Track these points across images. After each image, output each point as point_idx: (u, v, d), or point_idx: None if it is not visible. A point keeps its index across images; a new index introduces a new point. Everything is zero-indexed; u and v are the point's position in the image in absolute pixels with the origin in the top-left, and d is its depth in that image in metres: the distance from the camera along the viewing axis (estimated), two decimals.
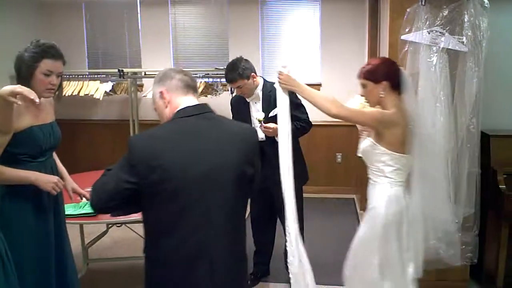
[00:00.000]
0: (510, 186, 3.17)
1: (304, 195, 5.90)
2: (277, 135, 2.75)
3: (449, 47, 3.05)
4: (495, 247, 3.30)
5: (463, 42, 3.05)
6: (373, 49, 4.94)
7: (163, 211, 1.68)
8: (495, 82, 3.44)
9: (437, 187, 3.05)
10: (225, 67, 3.47)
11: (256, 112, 3.46)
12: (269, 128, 3.27)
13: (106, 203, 1.70)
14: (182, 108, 1.77)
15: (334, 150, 6.04)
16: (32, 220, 2.38)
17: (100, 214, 2.75)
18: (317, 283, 3.64)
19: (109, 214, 1.92)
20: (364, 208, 5.17)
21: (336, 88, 5.88)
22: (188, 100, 1.79)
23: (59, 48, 2.37)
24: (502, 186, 3.17)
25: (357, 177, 5.73)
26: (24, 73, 2.28)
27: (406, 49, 3.15)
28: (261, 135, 3.29)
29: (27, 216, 2.37)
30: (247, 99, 3.51)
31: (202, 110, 1.78)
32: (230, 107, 3.72)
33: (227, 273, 1.75)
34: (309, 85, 6.22)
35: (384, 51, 3.56)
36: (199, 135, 1.72)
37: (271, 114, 3.36)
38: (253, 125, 3.37)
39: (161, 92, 1.80)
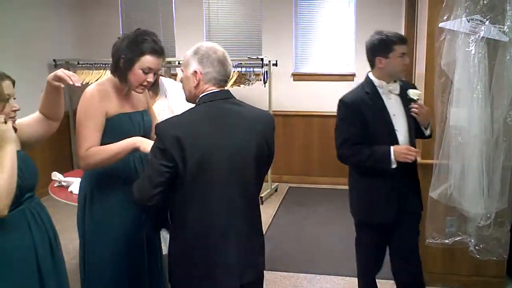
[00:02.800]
0: None
1: (335, 186, 5.95)
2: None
3: (489, 37, 2.94)
4: None
5: (504, 31, 2.94)
6: (410, 39, 4.82)
7: (192, 190, 1.75)
8: None
9: (470, 180, 2.99)
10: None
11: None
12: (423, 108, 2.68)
13: (151, 190, 1.73)
14: (210, 93, 1.83)
15: None
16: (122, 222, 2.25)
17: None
18: (348, 275, 3.67)
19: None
20: None
21: None
22: (214, 88, 1.85)
23: (160, 41, 2.22)
24: None
25: None
26: (122, 64, 2.13)
27: (443, 37, 3.06)
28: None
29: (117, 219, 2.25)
30: (382, 88, 2.67)
31: (226, 96, 1.86)
32: (268, 96, 3.59)
33: (250, 248, 1.88)
34: (342, 75, 6.21)
35: (422, 41, 3.48)
36: (225, 118, 1.81)
37: None
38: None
39: (195, 72, 1.83)
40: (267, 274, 2.65)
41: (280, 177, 5.97)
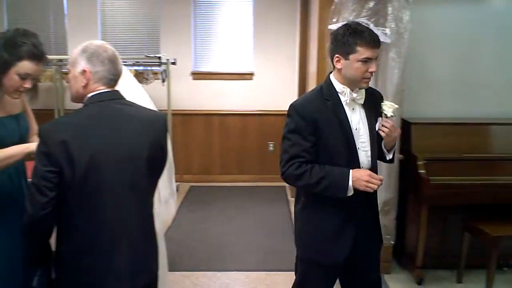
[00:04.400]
0: (429, 171, 3.35)
1: (236, 183, 6.05)
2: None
3: None
4: (415, 228, 3.49)
5: (386, 33, 3.17)
6: (304, 39, 5.03)
7: (81, 195, 1.66)
8: (415, 73, 3.61)
9: None
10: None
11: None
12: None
13: (41, 198, 1.61)
14: (99, 93, 1.76)
15: (266, 139, 6.12)
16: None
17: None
18: (249, 269, 3.76)
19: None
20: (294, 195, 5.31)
21: (268, 77, 5.98)
22: (104, 88, 1.78)
23: (42, 45, 1.98)
24: (422, 171, 3.35)
25: None
26: None
27: None
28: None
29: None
30: (344, 96, 2.15)
31: (117, 96, 1.80)
32: (167, 95, 3.39)
33: (143, 252, 1.82)
34: (241, 74, 6.36)
35: (313, 41, 3.64)
36: (116, 119, 1.74)
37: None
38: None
39: (84, 71, 1.74)
40: (165, 275, 2.64)
41: (181, 177, 5.93)
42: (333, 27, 3.18)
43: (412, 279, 3.54)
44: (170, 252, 3.92)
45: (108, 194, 1.69)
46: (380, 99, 2.27)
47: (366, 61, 2.04)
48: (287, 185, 5.93)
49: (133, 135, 1.75)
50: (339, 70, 2.11)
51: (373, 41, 2.04)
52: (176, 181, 5.72)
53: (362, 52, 2.02)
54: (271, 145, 6.14)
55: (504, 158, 3.47)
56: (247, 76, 6.03)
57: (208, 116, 6.05)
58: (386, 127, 2.13)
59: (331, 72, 2.19)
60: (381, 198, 3.19)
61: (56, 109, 5.54)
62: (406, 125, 3.54)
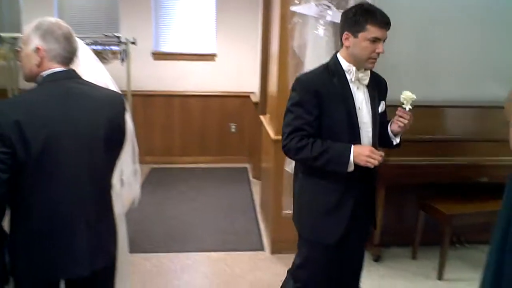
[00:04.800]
0: (387, 155, 3.42)
1: (197, 165, 6.04)
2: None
3: (336, 21, 3.16)
4: None
5: None
6: (266, 20, 5.00)
7: (37, 176, 1.62)
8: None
9: None
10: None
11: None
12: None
13: None
14: (54, 72, 1.70)
15: (228, 120, 6.12)
16: None
17: None
18: (210, 250, 3.79)
19: None
20: (256, 176, 5.36)
21: (230, 58, 5.96)
22: (59, 67, 1.73)
23: None
24: None
25: (250, 146, 5.87)
26: None
27: (295, 20, 3.24)
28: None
29: None
30: (350, 74, 2.16)
31: (72, 75, 1.75)
32: (127, 76, 3.33)
33: (101, 234, 1.79)
34: (203, 55, 6.29)
35: (276, 22, 3.64)
36: (71, 99, 1.69)
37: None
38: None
39: (38, 48, 1.68)
40: (126, 257, 2.61)
41: (142, 158, 5.80)
42: (296, 8, 3.23)
43: (370, 256, 3.64)
44: (130, 234, 3.90)
45: (64, 175, 1.66)
46: (385, 87, 2.32)
47: (375, 40, 2.04)
48: (248, 165, 5.97)
49: (89, 115, 1.71)
50: (347, 47, 2.11)
51: (384, 22, 2.04)
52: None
53: (372, 31, 2.03)
54: (232, 126, 6.14)
55: (459, 140, 3.60)
56: (209, 57, 5.98)
57: (169, 97, 5.99)
58: (404, 118, 2.14)
59: (337, 52, 2.20)
60: None
61: (10, 88, 5.34)
62: None
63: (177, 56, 5.96)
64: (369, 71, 2.18)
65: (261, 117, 4.46)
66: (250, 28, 5.78)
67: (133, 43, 5.27)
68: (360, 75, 2.15)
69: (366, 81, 2.18)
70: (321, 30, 3.20)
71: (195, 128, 6.10)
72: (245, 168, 5.99)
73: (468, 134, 3.65)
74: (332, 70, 2.15)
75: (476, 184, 3.57)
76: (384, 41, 2.08)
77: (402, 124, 2.16)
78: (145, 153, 5.92)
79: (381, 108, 2.23)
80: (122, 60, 5.15)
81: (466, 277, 3.44)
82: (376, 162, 2.03)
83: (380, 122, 2.24)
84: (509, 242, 2.40)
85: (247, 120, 6.01)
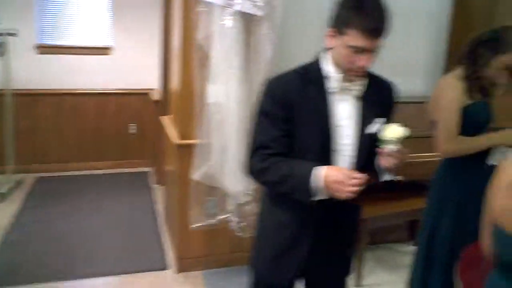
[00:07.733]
0: None
1: (94, 171, 5.44)
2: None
3: (245, 10, 2.86)
4: None
5: (259, 6, 2.90)
6: (168, 11, 4.57)
7: None
8: (289, 48, 3.39)
9: (230, 157, 2.95)
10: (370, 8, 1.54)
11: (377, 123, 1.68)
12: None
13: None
14: None
15: (127, 120, 5.58)
16: None
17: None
18: (105, 274, 3.27)
19: None
20: (159, 181, 4.90)
21: (129, 52, 5.42)
22: None
23: None
24: None
25: (152, 148, 5.40)
26: None
27: (200, 9, 2.88)
28: None
29: None
30: (332, 82, 1.67)
31: None
32: (6, 73, 2.89)
33: None
34: (97, 48, 5.69)
35: (178, 13, 3.26)
36: None
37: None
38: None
39: None
40: None
41: (27, 167, 5.17)
42: None
43: None
44: (8, 261, 3.31)
45: None
46: (389, 98, 1.78)
47: (357, 51, 1.53)
48: (150, 170, 5.49)
49: None
50: (330, 48, 1.63)
51: (371, 29, 1.49)
52: (20, 172, 5.04)
53: (352, 37, 1.51)
54: (132, 127, 5.61)
55: None
56: (104, 50, 5.38)
57: (59, 96, 5.30)
58: (394, 158, 1.61)
59: (324, 50, 1.70)
60: (252, 184, 2.97)
61: None
62: None
63: (66, 49, 5.28)
64: (362, 79, 1.68)
65: (162, 118, 4.00)
66: (151, 19, 5.28)
67: (12, 34, 4.61)
68: (347, 84, 1.65)
69: (358, 92, 1.68)
70: (228, 21, 2.86)
71: (89, 130, 5.48)
72: (146, 173, 5.47)
73: None
74: (310, 74, 1.67)
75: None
76: (374, 51, 1.55)
77: (391, 164, 1.63)
78: (31, 161, 5.24)
79: (377, 128, 1.66)
80: (0, 54, 4.50)
81: (385, 281, 3.33)
82: (351, 192, 1.50)
83: (374, 145, 1.67)
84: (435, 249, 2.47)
85: (148, 119, 5.51)
